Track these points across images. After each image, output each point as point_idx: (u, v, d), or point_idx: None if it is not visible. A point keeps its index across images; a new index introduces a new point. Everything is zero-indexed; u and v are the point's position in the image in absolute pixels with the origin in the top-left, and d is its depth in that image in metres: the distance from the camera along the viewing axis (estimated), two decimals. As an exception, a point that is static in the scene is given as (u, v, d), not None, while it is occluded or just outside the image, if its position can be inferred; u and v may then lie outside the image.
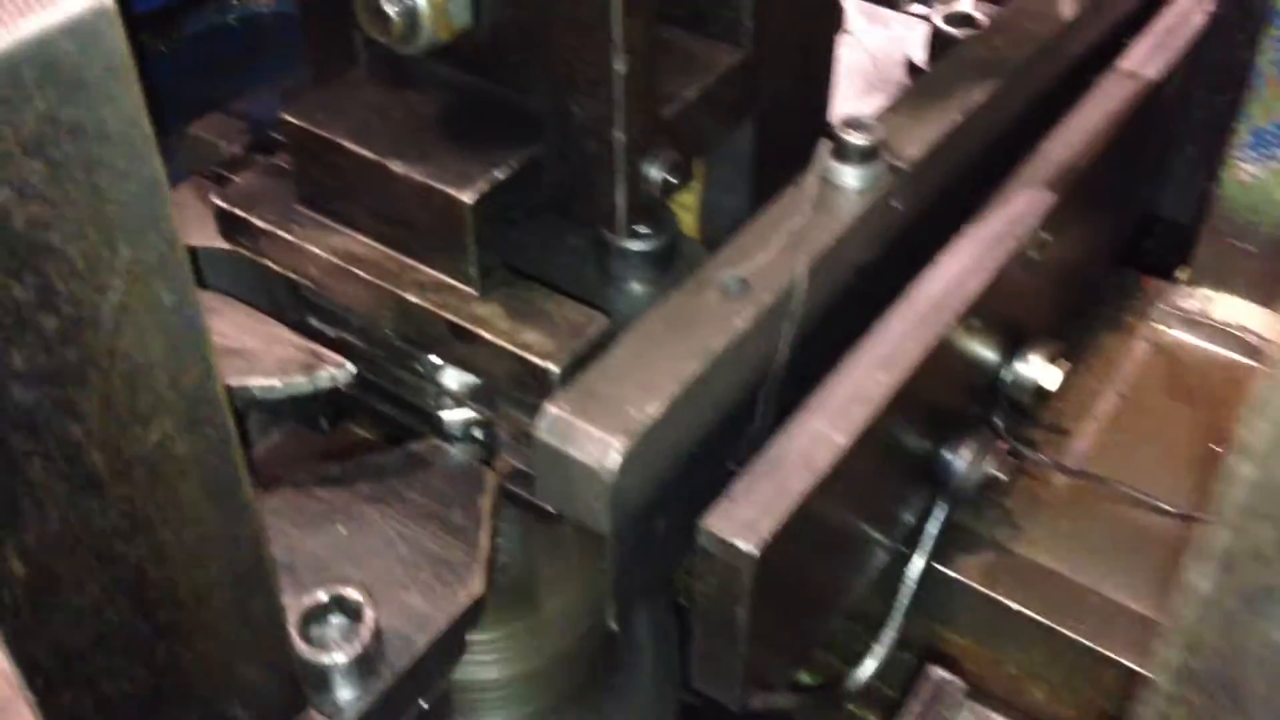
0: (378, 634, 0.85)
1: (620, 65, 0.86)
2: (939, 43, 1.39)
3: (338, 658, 0.83)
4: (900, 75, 1.44)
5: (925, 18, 1.48)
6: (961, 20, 1.39)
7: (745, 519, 0.90)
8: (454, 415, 1.02)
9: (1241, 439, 0.40)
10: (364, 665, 0.84)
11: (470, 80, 0.94)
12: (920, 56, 1.42)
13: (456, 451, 1.02)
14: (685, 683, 1.30)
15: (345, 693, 0.83)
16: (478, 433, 1.03)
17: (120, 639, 0.63)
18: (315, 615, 0.86)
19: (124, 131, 0.52)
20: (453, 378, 0.99)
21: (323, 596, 0.86)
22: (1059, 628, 1.16)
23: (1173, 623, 0.46)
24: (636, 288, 1.03)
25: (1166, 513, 1.22)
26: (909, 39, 1.47)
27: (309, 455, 1.16)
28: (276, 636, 0.75)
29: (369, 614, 0.85)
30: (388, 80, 0.97)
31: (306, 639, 0.84)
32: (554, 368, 0.89)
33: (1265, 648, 0.43)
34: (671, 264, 1.04)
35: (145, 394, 0.59)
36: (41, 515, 0.56)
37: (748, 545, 0.88)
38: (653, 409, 0.86)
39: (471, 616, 0.92)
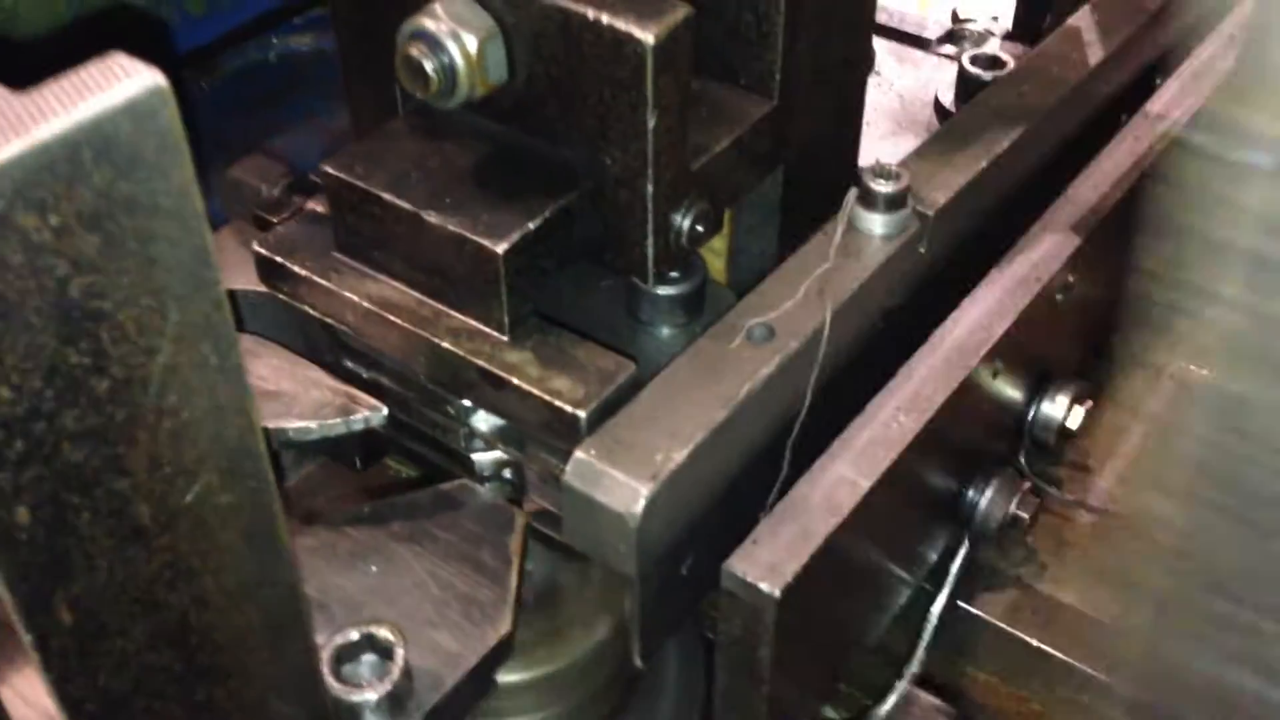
0: (408, 672, 0.88)
1: (652, 120, 0.87)
2: (966, 84, 1.41)
3: (369, 695, 0.85)
4: (928, 116, 1.45)
5: (955, 58, 1.49)
6: (989, 62, 1.41)
7: (768, 561, 0.91)
8: (484, 456, 1.03)
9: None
10: (394, 703, 0.86)
11: (505, 132, 0.96)
12: (949, 98, 1.44)
13: (486, 491, 1.04)
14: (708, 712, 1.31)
15: (376, 729, 0.86)
16: (507, 473, 1.05)
17: (161, 681, 0.65)
18: (347, 653, 0.88)
19: (176, 204, 0.54)
20: (483, 421, 1.01)
21: (355, 635, 0.88)
22: (1081, 665, 1.16)
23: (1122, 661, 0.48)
24: (664, 331, 1.04)
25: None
26: (938, 80, 1.49)
27: (343, 488, 1.19)
28: (309, 675, 0.77)
29: (399, 652, 0.87)
30: (426, 131, 0.99)
31: (339, 676, 0.87)
32: (582, 414, 0.90)
33: (1202, 681, 0.44)
34: (699, 308, 1.05)
35: (190, 449, 0.61)
36: (90, 566, 0.58)
37: (770, 587, 0.89)
38: (678, 455, 0.88)
39: (500, 655, 0.94)
